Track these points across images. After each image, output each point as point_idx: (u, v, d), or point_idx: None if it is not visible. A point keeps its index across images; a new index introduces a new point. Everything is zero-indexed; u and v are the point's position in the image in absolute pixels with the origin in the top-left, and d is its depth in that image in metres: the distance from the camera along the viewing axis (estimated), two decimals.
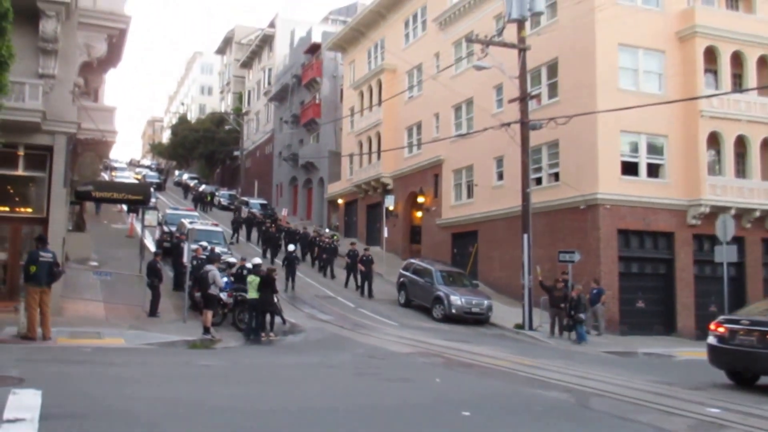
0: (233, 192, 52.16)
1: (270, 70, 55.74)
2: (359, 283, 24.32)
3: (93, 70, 18.54)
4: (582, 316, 18.23)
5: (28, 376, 8.41)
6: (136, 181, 43.04)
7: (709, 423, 8.02)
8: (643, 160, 22.22)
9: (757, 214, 22.81)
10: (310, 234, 30.14)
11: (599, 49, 21.79)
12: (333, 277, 26.55)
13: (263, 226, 31.16)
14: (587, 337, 18.33)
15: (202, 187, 50.48)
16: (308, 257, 29.56)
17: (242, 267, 18.35)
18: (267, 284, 15.95)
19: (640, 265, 22.36)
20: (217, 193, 49.31)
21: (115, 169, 51.55)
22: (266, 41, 57.41)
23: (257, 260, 18.03)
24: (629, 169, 22.04)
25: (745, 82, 23.03)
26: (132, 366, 10.78)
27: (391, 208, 31.83)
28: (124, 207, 33.31)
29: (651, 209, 21.96)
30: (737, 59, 23.08)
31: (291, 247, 24.81)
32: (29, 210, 16.56)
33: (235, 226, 33.05)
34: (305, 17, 55.42)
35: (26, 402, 6.86)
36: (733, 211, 21.73)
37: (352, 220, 39.09)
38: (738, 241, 21.12)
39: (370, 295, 23.58)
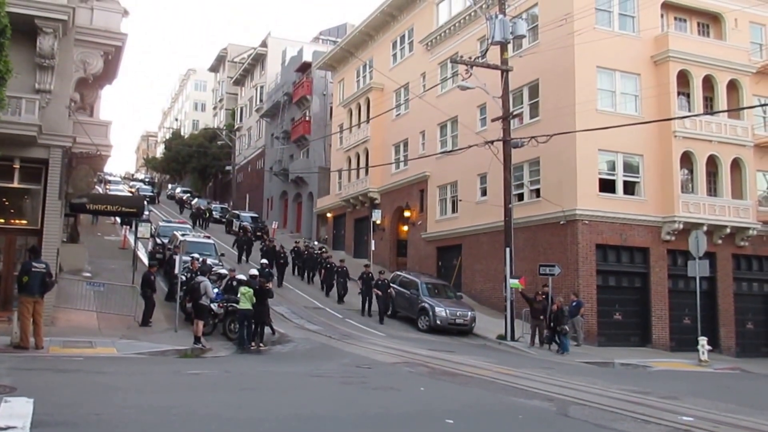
0: (225, 205, 52.36)
1: (262, 87, 56.21)
2: (369, 309, 22.70)
3: (89, 85, 18.51)
4: (566, 327, 18.68)
5: (20, 385, 8.42)
6: (129, 194, 43.26)
7: (683, 431, 8.24)
8: (619, 178, 22.70)
9: (728, 230, 23.41)
10: (321, 254, 28.27)
11: (578, 71, 22.29)
12: (343, 302, 24.53)
13: (263, 241, 29.33)
14: (569, 347, 18.69)
15: (195, 201, 50.26)
16: (305, 276, 28.62)
17: (232, 279, 18.17)
18: (261, 296, 15.94)
19: (617, 279, 22.76)
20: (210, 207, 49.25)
21: (109, 182, 51.48)
22: (258, 60, 58.01)
23: (254, 271, 18.07)
24: (607, 186, 22.49)
25: (716, 105, 23.73)
26: (123, 375, 10.74)
27: (378, 222, 32.37)
28: (118, 219, 33.28)
29: (627, 225, 22.47)
30: (708, 83, 23.81)
31: (264, 262, 23.43)
32: (24, 222, 16.52)
33: (239, 244, 30.67)
34: (296, 37, 56.46)
35: (18, 410, 6.83)
36: (705, 228, 22.20)
37: (340, 233, 39.44)
38: (710, 256, 21.71)
39: (381, 320, 21.96)
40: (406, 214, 32.37)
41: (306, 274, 28.92)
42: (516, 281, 20.09)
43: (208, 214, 43.39)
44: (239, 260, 29.42)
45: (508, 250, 20.32)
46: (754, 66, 24.55)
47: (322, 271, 26.53)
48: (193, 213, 43.87)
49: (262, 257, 26.50)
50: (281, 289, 25.02)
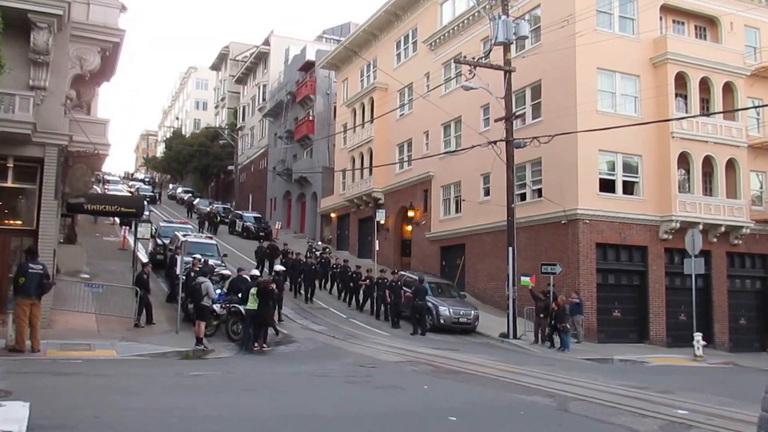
0: (227, 206, 52.09)
1: (264, 86, 56.22)
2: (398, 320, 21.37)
3: (86, 82, 18.08)
4: (567, 325, 19.03)
5: (16, 389, 8.30)
6: (128, 194, 42.76)
7: (678, 424, 8.45)
8: (619, 178, 23.07)
9: (723, 229, 23.81)
10: (352, 268, 25.45)
11: (579, 72, 22.60)
12: (387, 318, 22.21)
13: (287, 254, 26.71)
14: (570, 344, 19.04)
15: (197, 201, 50.01)
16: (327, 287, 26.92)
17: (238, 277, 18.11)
18: (264, 296, 15.80)
19: (617, 277, 23.09)
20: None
21: (108, 182, 50.85)
22: (261, 58, 58.02)
23: (255, 272, 18.20)
24: (607, 186, 22.85)
25: (712, 106, 24.14)
26: (123, 377, 10.58)
27: (382, 221, 32.41)
28: (117, 220, 32.74)
29: (626, 224, 22.84)
30: (705, 85, 24.21)
31: (278, 268, 22.39)
32: (19, 222, 16.09)
33: (260, 256, 27.80)
34: (299, 35, 56.39)
35: (13, 414, 6.66)
36: (700, 227, 22.58)
37: (344, 233, 39.69)
38: (705, 254, 22.16)
39: (424, 332, 20.39)
40: (410, 214, 32.65)
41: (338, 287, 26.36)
42: (527, 279, 20.56)
43: (217, 219, 41.26)
44: (258, 269, 24.77)
45: (510, 249, 20.66)
46: (748, 69, 24.98)
47: (361, 284, 24.12)
48: (202, 217, 41.85)
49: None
50: (289, 294, 24.72)
